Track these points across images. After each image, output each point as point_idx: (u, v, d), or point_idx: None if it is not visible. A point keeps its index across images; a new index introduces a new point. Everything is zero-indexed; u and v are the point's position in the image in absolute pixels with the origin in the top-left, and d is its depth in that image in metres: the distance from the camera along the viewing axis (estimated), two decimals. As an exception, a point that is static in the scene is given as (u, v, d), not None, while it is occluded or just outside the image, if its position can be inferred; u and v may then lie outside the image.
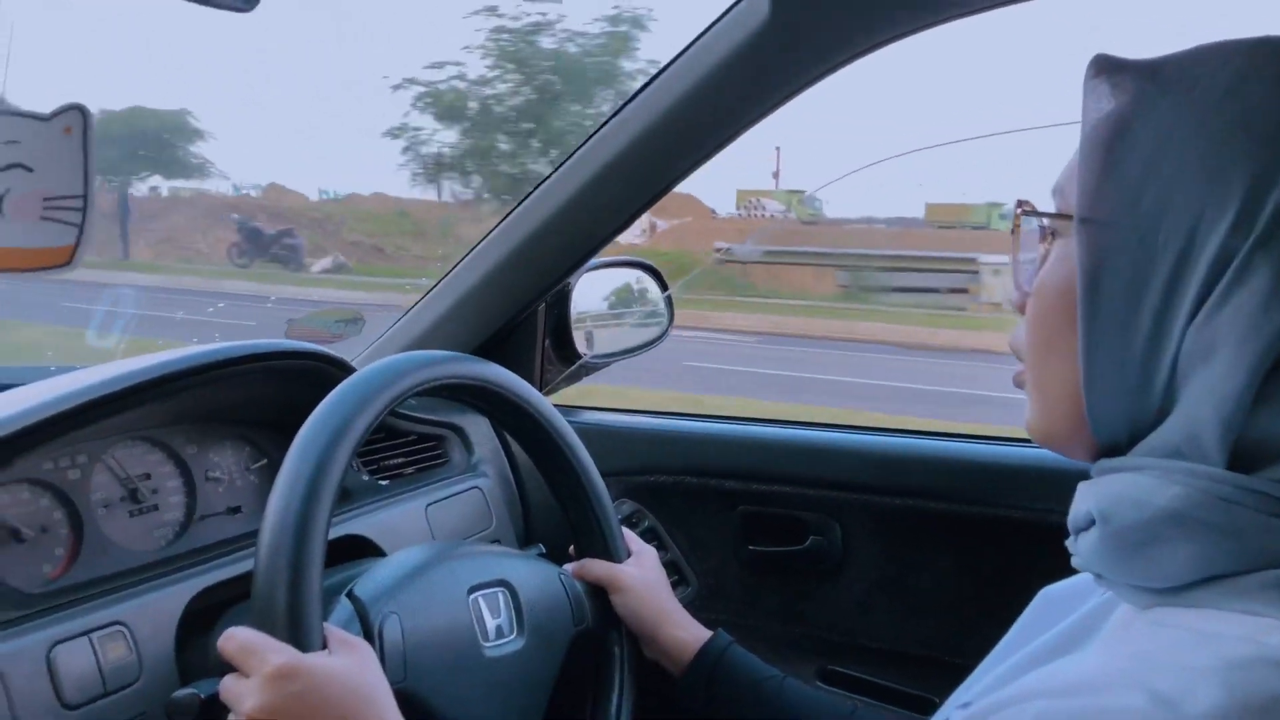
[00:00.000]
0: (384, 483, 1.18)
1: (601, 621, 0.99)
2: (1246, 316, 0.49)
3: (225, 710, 0.73)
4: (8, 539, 0.87)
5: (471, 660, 0.86)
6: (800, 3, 1.01)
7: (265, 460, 1.10)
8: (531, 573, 0.95)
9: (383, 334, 1.39)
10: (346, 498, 1.11)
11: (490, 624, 0.88)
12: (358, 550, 1.06)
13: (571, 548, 1.04)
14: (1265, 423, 0.49)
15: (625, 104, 1.18)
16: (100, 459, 0.95)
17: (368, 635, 0.79)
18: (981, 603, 1.17)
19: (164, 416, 1.01)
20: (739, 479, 1.28)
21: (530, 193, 1.27)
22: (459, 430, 1.30)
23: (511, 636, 0.90)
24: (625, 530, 1.05)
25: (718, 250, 10.53)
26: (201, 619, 0.89)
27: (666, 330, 1.53)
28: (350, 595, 0.82)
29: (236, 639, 0.73)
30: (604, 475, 1.03)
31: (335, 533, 1.02)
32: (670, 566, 1.32)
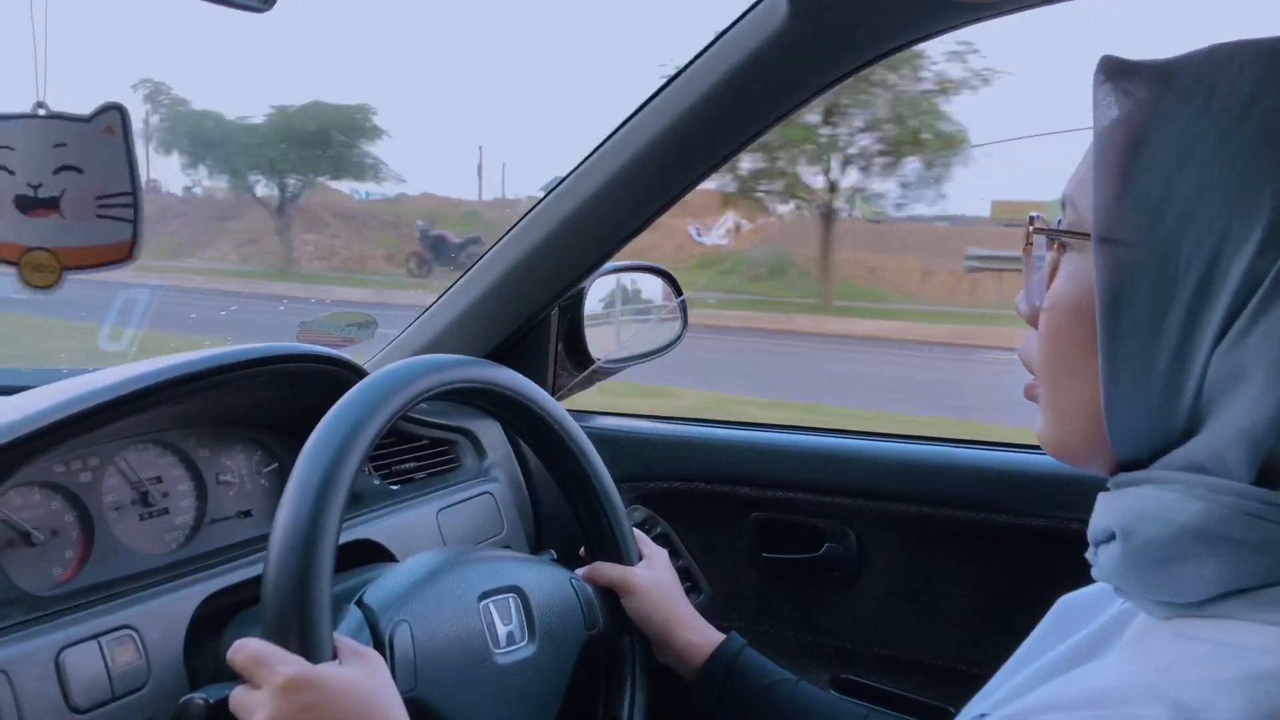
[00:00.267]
0: (395, 487, 1.18)
1: (613, 625, 0.98)
2: (1278, 340, 0.47)
3: (233, 717, 0.73)
4: (18, 541, 0.86)
5: (482, 668, 0.85)
6: (819, 5, 1.00)
7: (276, 464, 1.09)
8: (542, 578, 0.94)
9: (395, 338, 1.38)
10: (358, 502, 1.11)
11: (501, 630, 0.87)
12: (369, 555, 1.05)
13: (582, 551, 1.03)
14: None
15: (641, 107, 1.17)
16: (112, 462, 0.95)
17: (378, 644, 0.79)
18: (999, 611, 1.16)
19: (176, 419, 1.00)
20: (753, 485, 1.27)
21: (544, 197, 1.27)
22: (471, 435, 1.30)
23: (523, 643, 0.89)
24: (636, 532, 1.04)
25: (972, 258, 10.40)
26: (211, 623, 0.89)
27: (681, 335, 1.52)
28: (360, 603, 0.82)
29: (246, 650, 0.72)
30: (617, 481, 1.02)
31: (346, 537, 1.02)
32: (683, 573, 1.31)
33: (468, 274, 1.34)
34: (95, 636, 0.79)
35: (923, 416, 5.24)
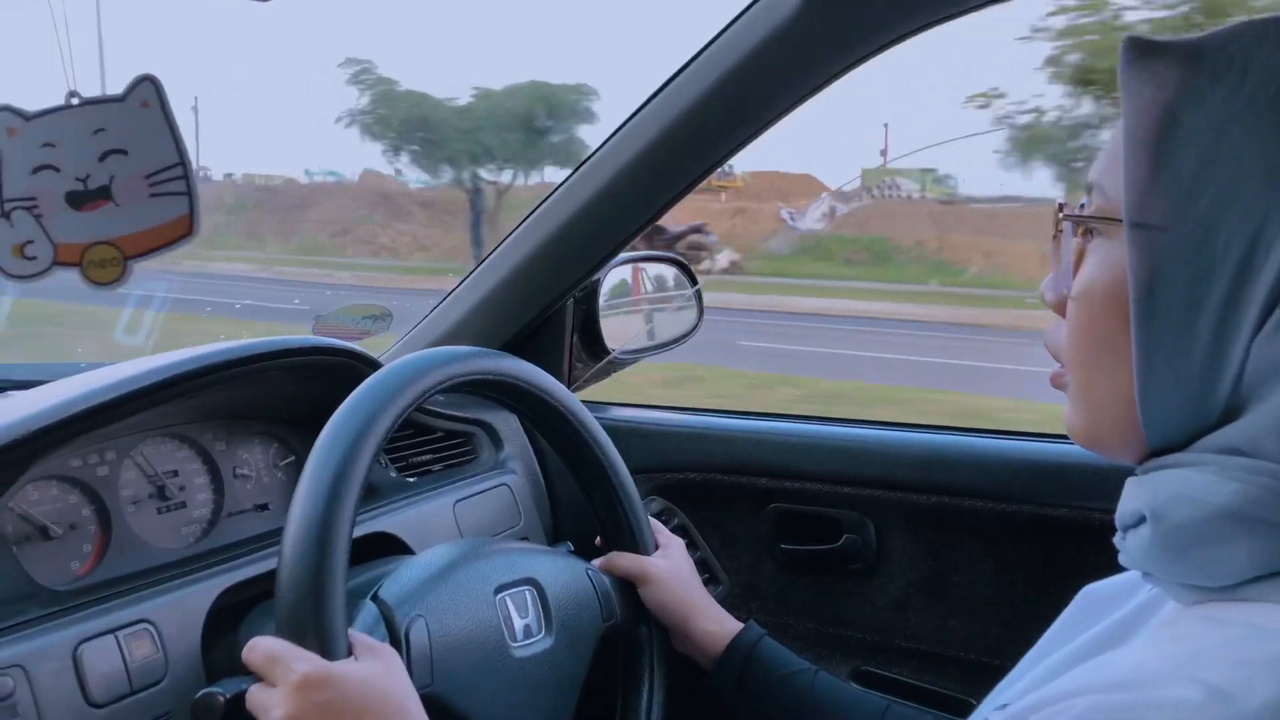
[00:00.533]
0: (412, 479, 1.18)
1: (630, 616, 0.98)
2: None
3: (248, 711, 0.72)
4: (36, 536, 0.86)
5: (500, 661, 0.85)
6: None
7: (293, 457, 1.09)
8: (559, 569, 0.94)
9: (410, 330, 1.38)
10: (374, 494, 1.11)
11: (518, 623, 0.87)
12: (385, 548, 1.05)
13: (599, 541, 1.03)
14: None
15: (652, 96, 1.16)
16: (129, 455, 0.95)
17: (394, 640, 0.78)
18: (1020, 602, 1.15)
19: (192, 413, 1.00)
20: (771, 476, 1.26)
21: (558, 187, 1.26)
22: (487, 427, 1.29)
23: (540, 635, 0.88)
24: (653, 522, 1.04)
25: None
26: (228, 616, 0.89)
27: (697, 325, 1.51)
28: (376, 598, 0.81)
29: (261, 649, 0.72)
30: (633, 472, 1.01)
31: (363, 530, 1.01)
32: (701, 565, 1.31)
33: (482, 265, 1.33)
34: (112, 631, 0.79)
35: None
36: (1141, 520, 0.53)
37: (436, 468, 1.22)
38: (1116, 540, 0.57)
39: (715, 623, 0.98)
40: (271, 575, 0.76)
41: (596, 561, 1.00)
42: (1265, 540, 0.48)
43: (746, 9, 1.07)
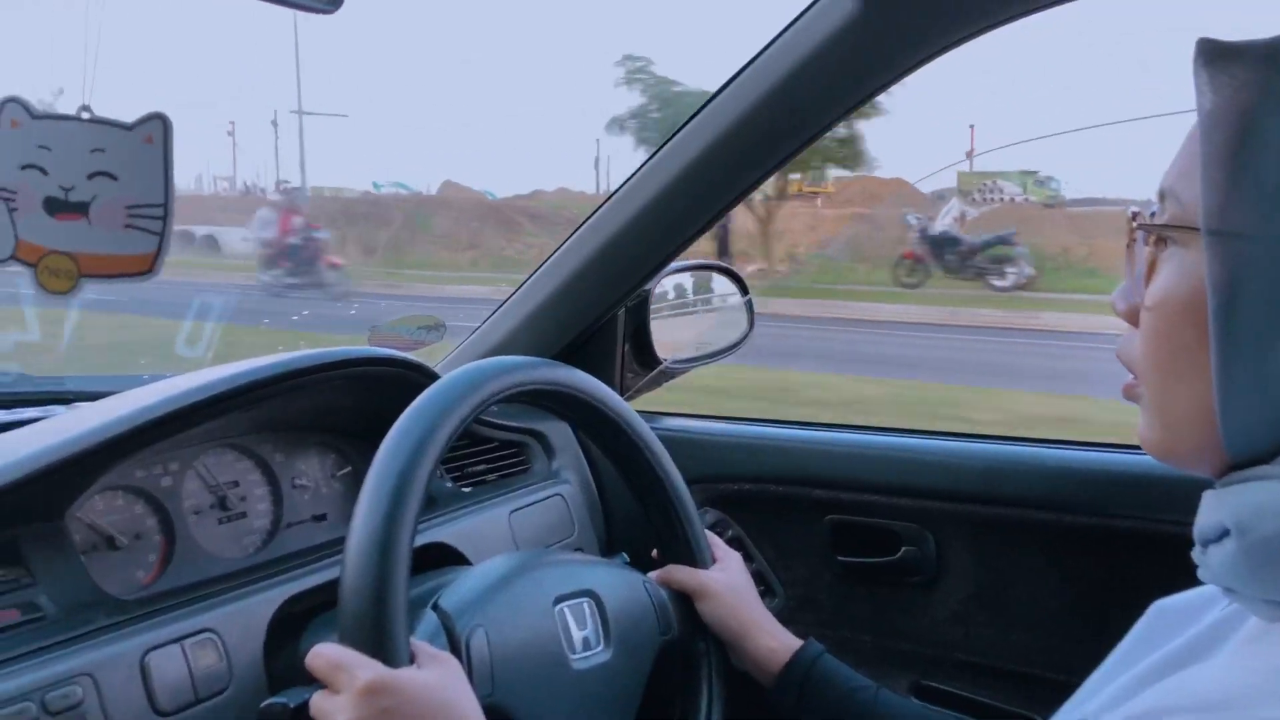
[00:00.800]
0: (467, 490, 1.18)
1: (688, 630, 0.97)
2: None
3: None
4: (103, 545, 0.88)
5: (559, 673, 0.84)
6: None
7: (350, 468, 1.10)
8: (616, 581, 0.93)
9: (464, 340, 1.39)
10: (431, 505, 1.11)
11: (577, 635, 0.86)
12: (442, 558, 1.05)
13: (655, 553, 1.02)
14: None
15: (706, 103, 1.15)
16: (191, 466, 0.96)
17: (454, 649, 0.78)
18: (1085, 617, 1.12)
19: (251, 424, 1.01)
20: (827, 488, 1.24)
21: (610, 196, 1.26)
22: (541, 436, 1.29)
23: (598, 648, 0.88)
24: (710, 535, 1.03)
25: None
26: (289, 626, 0.89)
27: (748, 334, 1.50)
28: (436, 608, 0.81)
29: (324, 656, 0.72)
30: (687, 483, 1.01)
31: (420, 541, 1.01)
32: (757, 577, 1.29)
33: (535, 276, 1.33)
34: (178, 640, 0.80)
35: None
36: (1224, 534, 0.51)
37: (491, 478, 1.22)
38: (1195, 554, 0.55)
39: (774, 638, 0.97)
40: (331, 585, 0.76)
41: (653, 574, 0.99)
42: None
43: (802, 13, 1.06)
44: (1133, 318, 0.58)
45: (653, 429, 0.99)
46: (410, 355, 1.07)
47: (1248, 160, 0.48)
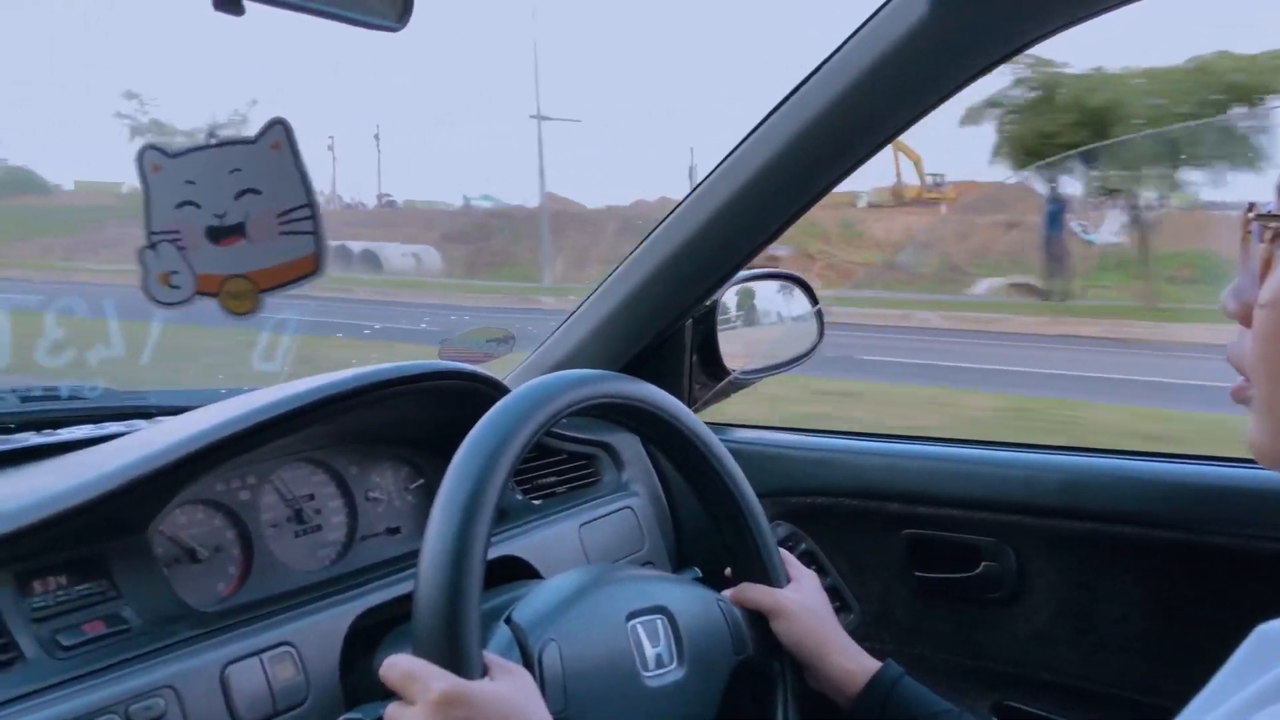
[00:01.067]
0: (537, 502, 1.18)
1: (763, 650, 0.95)
2: None
3: None
4: (184, 559, 0.89)
5: (632, 690, 0.83)
6: None
7: (422, 480, 1.10)
8: (689, 598, 0.92)
9: (531, 353, 1.39)
10: (502, 518, 1.11)
11: (650, 652, 0.85)
12: (513, 571, 1.05)
13: (728, 571, 1.00)
14: None
15: (773, 111, 1.14)
16: (268, 480, 0.98)
17: (527, 663, 0.78)
18: (1177, 639, 1.07)
19: (326, 438, 1.02)
20: (904, 501, 1.21)
21: (677, 206, 1.25)
22: (609, 448, 1.29)
23: (672, 666, 0.86)
24: (784, 554, 1.01)
25: None
26: (363, 640, 0.90)
27: (817, 344, 1.48)
28: (509, 621, 0.81)
29: (399, 667, 0.72)
30: (758, 496, 0.99)
31: (491, 554, 1.01)
32: (831, 592, 1.26)
33: (601, 287, 1.33)
34: (257, 653, 0.81)
35: None
36: None
37: (560, 490, 1.21)
38: None
39: (852, 659, 0.95)
40: (406, 599, 0.76)
41: (727, 592, 0.97)
42: None
43: (872, 15, 1.04)
44: (1245, 317, 0.55)
45: (723, 441, 0.98)
46: (480, 368, 1.07)
47: None
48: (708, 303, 1.34)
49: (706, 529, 1.01)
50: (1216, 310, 0.57)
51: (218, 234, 0.90)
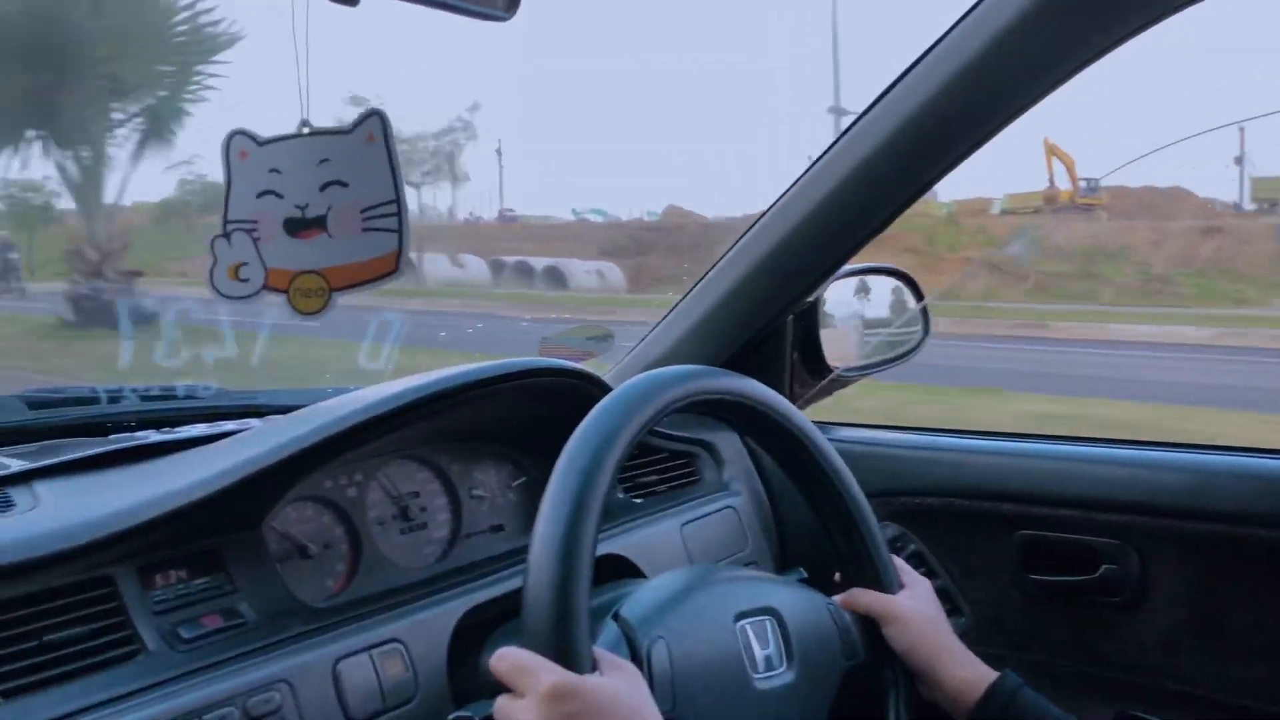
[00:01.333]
0: (638, 501, 1.17)
1: (875, 657, 0.92)
2: None
3: None
4: (296, 555, 0.91)
5: (741, 692, 0.81)
6: None
7: (525, 478, 1.10)
8: (798, 601, 0.90)
9: (630, 350, 1.38)
10: (605, 516, 1.10)
11: (759, 654, 0.83)
12: (616, 570, 1.04)
13: (837, 575, 0.98)
14: None
15: (879, 99, 1.10)
16: (374, 477, 0.99)
17: (635, 659, 0.77)
18: None
19: (429, 435, 1.03)
20: (1017, 502, 1.17)
21: (778, 200, 1.22)
22: (710, 446, 1.27)
23: (781, 669, 0.84)
24: (896, 559, 0.97)
25: None
26: (469, 637, 0.90)
27: (923, 340, 1.44)
28: (617, 618, 0.80)
29: (509, 658, 0.72)
30: (865, 496, 0.96)
31: (597, 551, 1.01)
32: (941, 595, 1.21)
33: (700, 283, 1.31)
34: (367, 649, 0.82)
35: None
36: None
37: (661, 489, 1.20)
38: None
39: (967, 668, 0.91)
40: (512, 597, 0.76)
41: (837, 597, 0.94)
42: None
43: (975, 5, 1.00)
44: None
45: (828, 440, 0.95)
46: (581, 365, 1.07)
47: None
48: (810, 298, 1.31)
49: (809, 530, 0.99)
50: None
51: (296, 226, 0.88)
